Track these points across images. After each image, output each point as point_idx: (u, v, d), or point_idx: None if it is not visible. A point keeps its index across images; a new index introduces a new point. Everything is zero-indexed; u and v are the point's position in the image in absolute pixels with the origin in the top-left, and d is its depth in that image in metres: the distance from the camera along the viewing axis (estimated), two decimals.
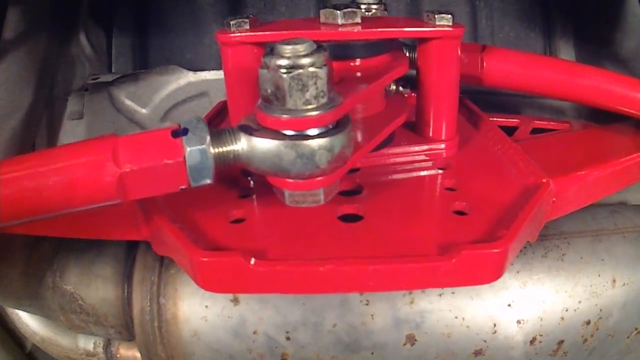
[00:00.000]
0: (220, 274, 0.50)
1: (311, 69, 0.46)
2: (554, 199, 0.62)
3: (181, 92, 1.11)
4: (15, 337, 0.88)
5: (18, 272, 0.70)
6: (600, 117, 0.90)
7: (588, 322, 0.68)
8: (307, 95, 0.46)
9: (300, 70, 0.46)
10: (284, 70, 0.46)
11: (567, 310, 0.67)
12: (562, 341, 0.68)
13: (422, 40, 0.67)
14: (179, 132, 0.48)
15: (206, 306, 0.64)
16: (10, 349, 0.88)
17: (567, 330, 0.68)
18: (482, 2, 1.17)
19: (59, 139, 1.06)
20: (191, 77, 1.11)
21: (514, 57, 0.80)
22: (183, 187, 0.49)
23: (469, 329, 0.65)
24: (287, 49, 0.46)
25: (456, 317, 0.65)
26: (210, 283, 0.51)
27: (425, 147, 0.70)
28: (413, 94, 0.81)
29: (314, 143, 0.47)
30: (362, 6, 0.74)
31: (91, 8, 1.15)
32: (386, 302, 0.64)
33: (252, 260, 0.49)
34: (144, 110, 1.11)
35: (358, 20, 0.64)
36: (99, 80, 1.13)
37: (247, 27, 0.64)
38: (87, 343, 0.80)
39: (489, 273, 0.51)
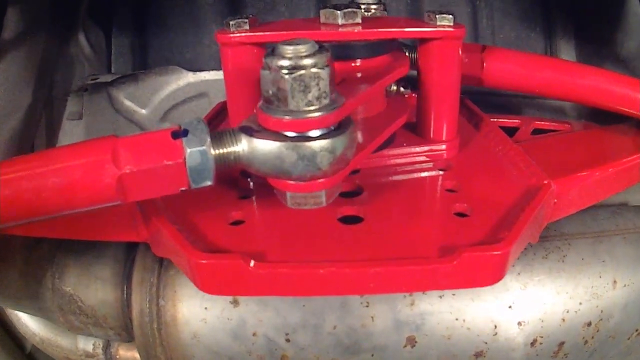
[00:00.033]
0: (219, 277, 0.50)
1: (313, 70, 0.45)
2: (555, 200, 0.62)
3: (181, 93, 1.11)
4: (15, 338, 0.88)
5: (17, 273, 0.70)
6: (601, 117, 0.90)
7: (589, 324, 0.68)
8: (310, 96, 0.46)
9: (303, 71, 0.45)
10: (285, 71, 0.45)
11: (567, 312, 0.67)
12: (562, 343, 0.68)
13: (423, 40, 0.67)
14: (179, 134, 0.47)
15: (205, 308, 0.64)
16: (10, 350, 0.88)
17: (567, 332, 0.68)
18: (483, 2, 1.17)
19: (58, 139, 1.06)
20: (191, 77, 1.11)
21: (514, 58, 0.80)
22: (183, 188, 0.48)
23: (469, 331, 0.65)
24: (289, 50, 0.46)
25: (457, 319, 0.64)
26: (209, 285, 0.51)
27: (426, 148, 0.70)
28: (414, 95, 0.81)
29: (316, 145, 0.47)
30: (362, 6, 0.74)
31: (90, 8, 1.14)
32: (386, 304, 0.64)
33: (252, 263, 0.49)
34: (143, 111, 1.11)
35: (358, 20, 0.63)
36: (98, 80, 1.13)
37: (247, 27, 0.64)
38: (86, 344, 0.80)
39: (490, 275, 0.51)
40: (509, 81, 0.80)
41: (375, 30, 0.64)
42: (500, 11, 1.17)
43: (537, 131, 0.91)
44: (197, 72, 1.11)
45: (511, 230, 0.52)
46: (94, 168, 0.46)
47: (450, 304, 0.64)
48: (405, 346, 0.65)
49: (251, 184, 0.64)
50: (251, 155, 0.48)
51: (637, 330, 0.72)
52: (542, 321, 0.66)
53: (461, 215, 0.58)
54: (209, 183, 0.49)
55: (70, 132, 1.07)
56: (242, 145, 0.48)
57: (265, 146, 0.48)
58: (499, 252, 0.49)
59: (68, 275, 0.69)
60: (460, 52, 0.66)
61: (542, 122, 0.92)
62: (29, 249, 0.70)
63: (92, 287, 0.69)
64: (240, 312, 0.64)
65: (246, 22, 0.64)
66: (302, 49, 0.46)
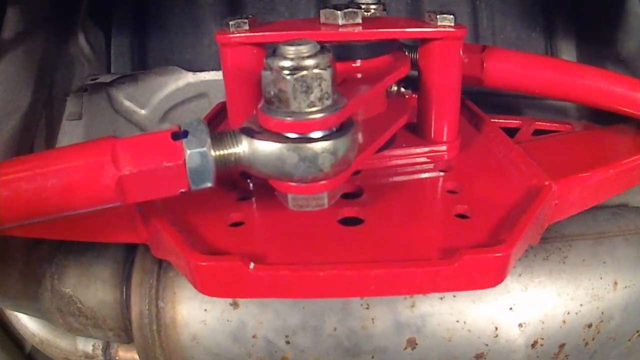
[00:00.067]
0: (219, 279, 0.49)
1: (315, 71, 0.45)
2: (556, 201, 0.61)
3: (180, 93, 1.11)
4: (14, 338, 0.88)
5: (17, 273, 0.69)
6: (602, 117, 0.89)
7: (589, 325, 0.68)
8: (312, 97, 0.46)
9: (304, 72, 0.45)
10: (287, 72, 0.45)
11: (568, 314, 0.67)
12: (563, 344, 0.68)
13: (424, 40, 0.67)
14: (179, 135, 0.47)
15: (205, 310, 0.64)
16: (9, 351, 0.88)
17: (568, 334, 0.67)
18: (483, 2, 1.16)
19: (58, 139, 1.06)
20: (190, 77, 1.10)
21: (514, 58, 0.80)
22: (183, 190, 0.48)
23: (470, 333, 0.64)
24: (291, 50, 0.45)
25: (457, 321, 0.64)
26: (208, 287, 0.50)
27: (426, 149, 0.70)
28: (414, 95, 0.81)
29: (318, 146, 0.47)
30: (362, 6, 0.73)
31: (90, 8, 1.14)
32: (387, 306, 0.64)
33: (251, 265, 0.48)
34: (142, 111, 1.11)
35: (359, 20, 0.63)
36: (97, 80, 1.12)
37: (247, 27, 0.63)
38: (86, 345, 0.80)
39: (491, 277, 0.50)
40: (509, 81, 0.79)
41: (375, 30, 0.63)
42: (500, 11, 1.17)
43: (538, 132, 0.91)
44: (197, 73, 1.11)
45: (512, 232, 0.52)
46: (93, 169, 0.46)
47: (451, 305, 0.64)
48: (405, 348, 0.64)
49: (251, 185, 0.64)
50: (252, 156, 0.48)
51: (637, 332, 0.72)
52: (543, 323, 0.66)
53: (462, 216, 0.57)
54: (209, 185, 0.48)
55: (70, 132, 1.07)
56: (243, 147, 0.48)
57: (266, 147, 0.47)
58: (500, 254, 0.49)
59: (67, 276, 0.69)
60: (461, 52, 0.66)
61: (543, 123, 0.92)
62: (29, 250, 0.70)
63: (92, 288, 0.68)
64: (240, 314, 0.64)
65: (246, 23, 0.63)
66: (304, 49, 0.45)
